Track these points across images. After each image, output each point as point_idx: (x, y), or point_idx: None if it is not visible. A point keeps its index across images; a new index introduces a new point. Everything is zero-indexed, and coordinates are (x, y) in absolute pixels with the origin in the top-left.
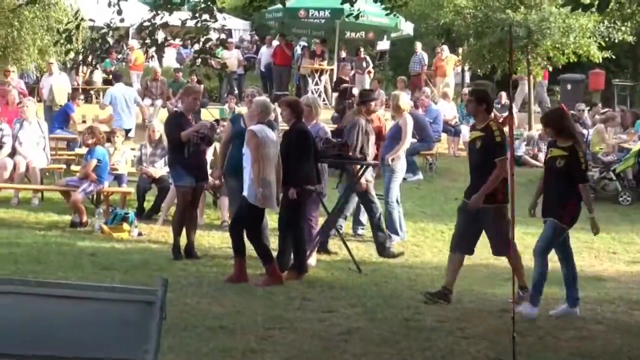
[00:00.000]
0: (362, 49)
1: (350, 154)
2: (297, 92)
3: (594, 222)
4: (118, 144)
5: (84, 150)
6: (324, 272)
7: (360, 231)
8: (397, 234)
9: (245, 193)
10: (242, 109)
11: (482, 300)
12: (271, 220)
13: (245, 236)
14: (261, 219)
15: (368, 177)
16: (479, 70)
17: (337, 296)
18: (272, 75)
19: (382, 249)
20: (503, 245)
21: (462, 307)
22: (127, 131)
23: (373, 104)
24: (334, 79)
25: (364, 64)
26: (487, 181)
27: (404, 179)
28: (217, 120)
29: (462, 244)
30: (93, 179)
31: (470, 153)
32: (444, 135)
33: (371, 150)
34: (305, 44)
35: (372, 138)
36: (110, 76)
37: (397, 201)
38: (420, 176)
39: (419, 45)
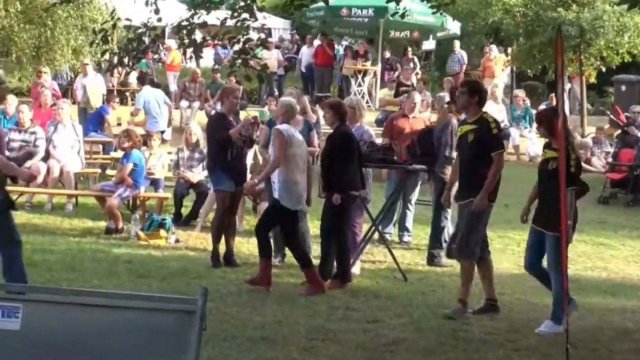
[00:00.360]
0: (409, 49)
1: (447, 154)
2: (340, 94)
3: (569, 231)
4: (154, 148)
5: (119, 153)
6: (368, 281)
7: (406, 238)
8: (442, 246)
9: (276, 195)
10: None
11: (532, 310)
12: (313, 227)
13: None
14: (295, 222)
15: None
16: (528, 71)
17: (383, 306)
18: (314, 76)
19: (432, 259)
20: (464, 247)
21: (512, 317)
22: (162, 133)
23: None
24: (377, 81)
25: (412, 65)
26: (488, 178)
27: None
28: (257, 122)
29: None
30: (129, 184)
31: (460, 148)
32: None
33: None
34: (348, 44)
35: (536, 140)
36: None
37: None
38: None
39: (457, 44)
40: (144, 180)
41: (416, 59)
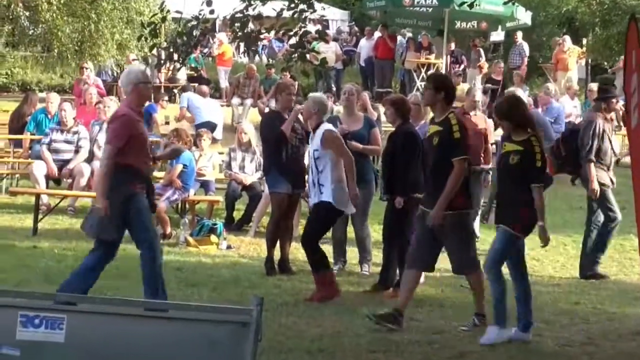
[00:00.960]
0: (477, 40)
1: (584, 154)
2: (402, 89)
3: (542, 231)
4: (205, 148)
5: None
6: (432, 290)
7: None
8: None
9: (328, 198)
10: (341, 108)
11: (610, 321)
12: (373, 231)
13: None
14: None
15: (606, 181)
16: (605, 63)
17: (448, 316)
18: (374, 71)
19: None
20: (465, 260)
21: (588, 328)
22: (213, 128)
23: (614, 101)
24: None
25: (477, 56)
26: (446, 187)
27: None
28: None
29: (419, 259)
30: (178, 186)
31: (427, 152)
32: None
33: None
34: (411, 36)
35: (614, 140)
36: (194, 73)
37: None
38: None
39: (519, 35)
40: (193, 182)
41: (482, 51)
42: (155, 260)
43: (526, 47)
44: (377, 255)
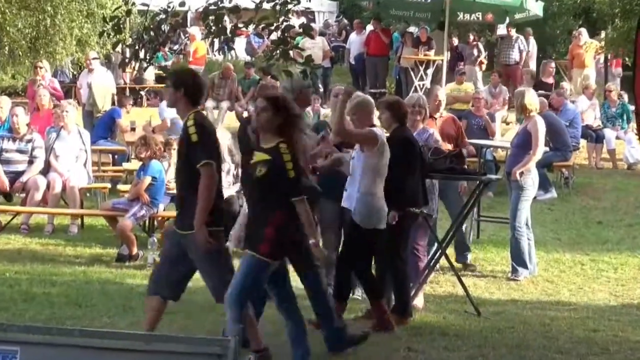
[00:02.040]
0: (473, 34)
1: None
2: (398, 90)
3: (316, 251)
4: (174, 157)
5: (134, 165)
6: (433, 316)
7: (468, 258)
8: (525, 266)
9: (361, 216)
10: (329, 112)
11: (633, 350)
12: None
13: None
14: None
15: None
16: (626, 59)
17: (451, 346)
18: (365, 69)
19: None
20: (222, 287)
21: (609, 359)
22: None
23: None
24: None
25: (475, 52)
26: (198, 199)
27: (534, 197)
28: None
29: (162, 284)
30: (145, 201)
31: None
32: (583, 142)
33: None
34: (407, 30)
35: None
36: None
37: (526, 226)
38: (553, 194)
39: (514, 30)
40: (163, 196)
41: (481, 46)
42: None
43: (524, 41)
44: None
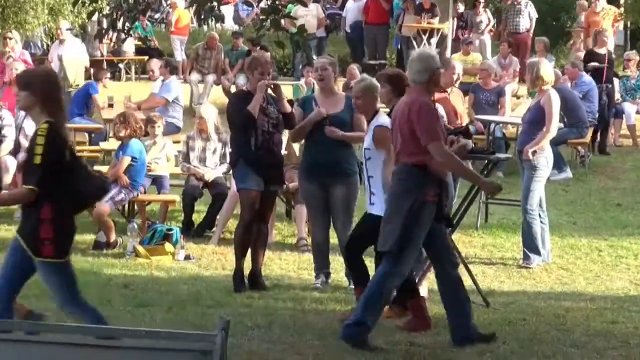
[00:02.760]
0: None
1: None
2: (399, 61)
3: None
4: (157, 135)
5: (112, 144)
6: (437, 307)
7: None
8: (537, 253)
9: (378, 211)
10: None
11: None
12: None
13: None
14: None
15: None
16: None
17: None
18: (364, 39)
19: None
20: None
21: (629, 353)
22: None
23: None
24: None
25: (484, 20)
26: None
27: (548, 178)
28: (290, 101)
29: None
30: (125, 184)
31: None
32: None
33: None
34: None
35: None
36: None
37: (539, 208)
38: (569, 174)
39: None
40: (144, 178)
41: (489, 13)
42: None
43: (532, 8)
44: (369, 266)
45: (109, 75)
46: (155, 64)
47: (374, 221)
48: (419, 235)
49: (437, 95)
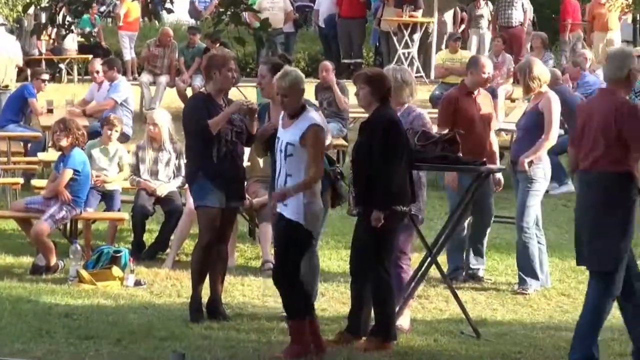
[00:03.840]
0: None
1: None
2: (377, 60)
3: None
4: (112, 140)
5: (52, 155)
6: (422, 339)
7: (480, 270)
8: (535, 277)
9: (295, 215)
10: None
11: None
12: (339, 259)
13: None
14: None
15: None
16: None
17: None
18: (338, 34)
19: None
20: None
21: None
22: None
23: None
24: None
25: (482, 15)
26: None
27: (546, 191)
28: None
29: None
30: (66, 200)
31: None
32: None
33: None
34: None
35: None
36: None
37: (536, 226)
38: (570, 187)
39: None
40: (88, 193)
41: (492, 7)
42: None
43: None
44: (344, 293)
45: (46, 76)
46: (100, 64)
47: (293, 227)
48: (627, 248)
49: (463, 99)
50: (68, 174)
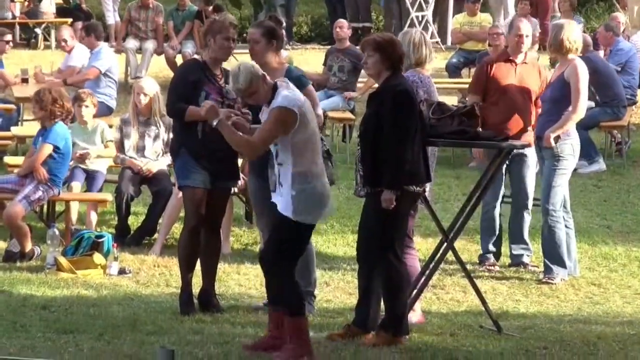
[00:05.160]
0: None
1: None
2: (387, 23)
3: None
4: (87, 118)
5: (27, 129)
6: (436, 334)
7: (525, 258)
8: (562, 264)
9: (284, 209)
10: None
11: None
12: (345, 244)
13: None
14: (306, 243)
15: None
16: None
17: None
18: None
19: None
20: None
21: None
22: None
23: None
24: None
25: None
26: None
27: (575, 170)
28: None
29: None
30: (42, 178)
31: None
32: None
33: None
34: None
35: None
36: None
37: (563, 209)
38: (601, 165)
39: None
40: (74, 169)
41: None
42: None
43: None
44: (350, 282)
45: (9, 37)
46: (68, 32)
47: (284, 220)
48: None
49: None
50: (47, 149)
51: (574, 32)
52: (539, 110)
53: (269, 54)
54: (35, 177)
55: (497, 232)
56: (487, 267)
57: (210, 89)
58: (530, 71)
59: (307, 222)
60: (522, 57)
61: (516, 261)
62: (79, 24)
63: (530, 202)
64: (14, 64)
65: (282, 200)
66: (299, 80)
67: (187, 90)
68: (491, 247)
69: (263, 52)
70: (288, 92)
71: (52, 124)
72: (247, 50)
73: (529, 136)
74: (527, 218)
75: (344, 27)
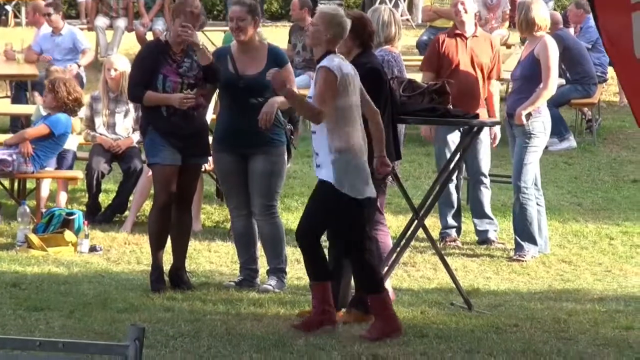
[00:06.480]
0: None
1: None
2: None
3: None
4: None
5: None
6: (407, 311)
7: (491, 233)
8: (533, 242)
9: (326, 175)
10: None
11: None
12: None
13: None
14: (365, 217)
15: None
16: None
17: (432, 352)
18: None
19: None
20: None
21: None
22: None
23: None
24: None
25: None
26: None
27: (546, 147)
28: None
29: None
30: (25, 151)
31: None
32: (612, 72)
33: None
34: None
35: None
36: None
37: (534, 186)
38: (572, 142)
39: None
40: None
41: None
42: None
43: None
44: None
45: None
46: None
47: (325, 192)
48: None
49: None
50: (43, 129)
51: (541, 10)
52: (492, 83)
53: (253, 31)
54: (19, 148)
55: (455, 206)
56: (448, 243)
57: (168, 71)
58: (481, 45)
59: (351, 194)
60: (472, 31)
61: (482, 237)
62: (40, 2)
63: (486, 177)
64: None
65: (324, 168)
66: (278, 57)
67: (145, 75)
68: (451, 221)
69: (249, 29)
70: (335, 58)
71: (58, 111)
72: (218, 28)
73: (483, 112)
74: (486, 192)
75: (295, 8)
